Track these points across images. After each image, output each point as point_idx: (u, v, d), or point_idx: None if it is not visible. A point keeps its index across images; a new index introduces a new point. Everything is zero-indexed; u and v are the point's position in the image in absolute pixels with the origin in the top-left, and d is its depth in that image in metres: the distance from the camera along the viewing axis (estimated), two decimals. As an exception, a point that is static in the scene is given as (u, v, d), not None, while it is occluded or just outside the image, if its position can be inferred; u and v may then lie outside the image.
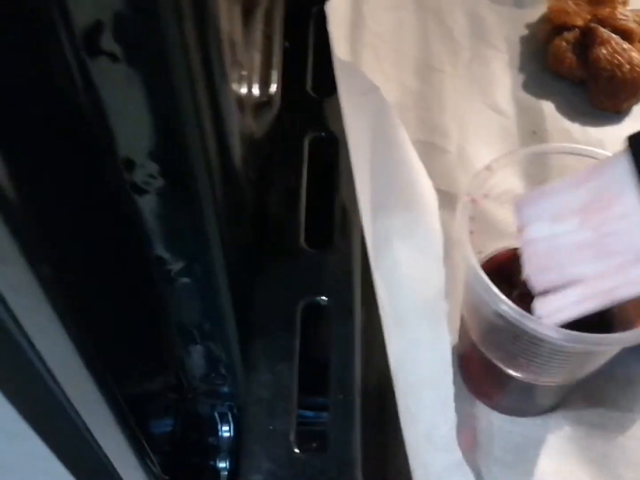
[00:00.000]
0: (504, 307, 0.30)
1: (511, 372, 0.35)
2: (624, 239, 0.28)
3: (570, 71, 0.48)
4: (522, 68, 0.49)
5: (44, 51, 0.25)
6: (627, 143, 0.28)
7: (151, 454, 0.36)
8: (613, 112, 0.47)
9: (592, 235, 0.28)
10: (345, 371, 0.34)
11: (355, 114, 0.39)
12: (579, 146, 0.35)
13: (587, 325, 0.30)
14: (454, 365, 0.36)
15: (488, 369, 0.36)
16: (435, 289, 0.34)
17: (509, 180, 0.37)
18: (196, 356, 0.41)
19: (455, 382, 0.35)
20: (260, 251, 0.38)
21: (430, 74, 0.47)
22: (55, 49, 0.25)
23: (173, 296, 0.37)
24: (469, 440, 0.37)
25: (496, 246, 0.36)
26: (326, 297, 0.36)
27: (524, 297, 0.32)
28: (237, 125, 0.31)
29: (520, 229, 0.31)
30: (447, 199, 0.39)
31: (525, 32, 0.50)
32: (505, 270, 0.34)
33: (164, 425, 0.46)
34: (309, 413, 0.34)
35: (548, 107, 0.47)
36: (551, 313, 0.30)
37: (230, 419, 0.49)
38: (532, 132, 0.46)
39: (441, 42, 0.49)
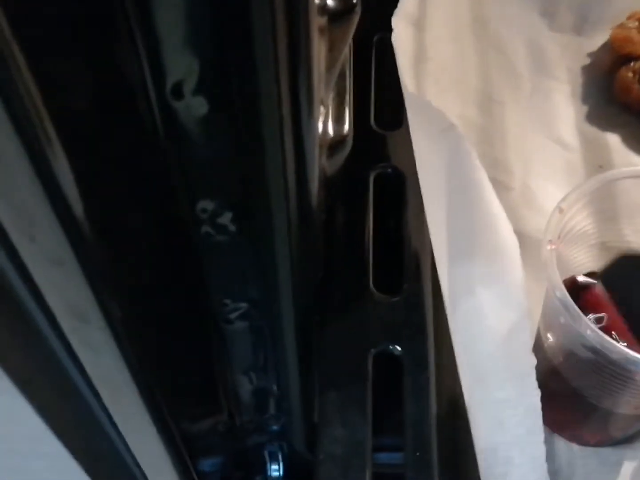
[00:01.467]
0: (594, 337, 0.29)
1: (597, 403, 0.33)
2: None
3: (638, 102, 0.46)
4: (585, 99, 0.47)
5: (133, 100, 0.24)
6: None
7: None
8: (683, 147, 0.45)
9: None
10: (421, 427, 0.32)
11: (429, 153, 0.37)
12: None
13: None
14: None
15: (569, 401, 0.34)
16: (520, 343, 0.33)
17: (577, 218, 0.35)
18: (256, 398, 0.39)
19: None
20: (327, 295, 0.36)
21: (492, 107, 0.46)
22: (142, 98, 0.24)
23: (237, 339, 0.35)
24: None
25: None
26: (399, 346, 0.34)
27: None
28: (317, 170, 0.29)
29: None
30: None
31: (587, 61, 0.49)
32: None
33: (213, 464, 0.45)
34: (384, 468, 0.33)
35: (614, 140, 0.45)
36: None
37: (279, 458, 0.47)
38: (598, 167, 0.44)
39: (501, 74, 0.47)
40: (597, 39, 0.50)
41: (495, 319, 0.33)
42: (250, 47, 0.23)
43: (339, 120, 0.36)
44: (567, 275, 0.38)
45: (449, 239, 0.35)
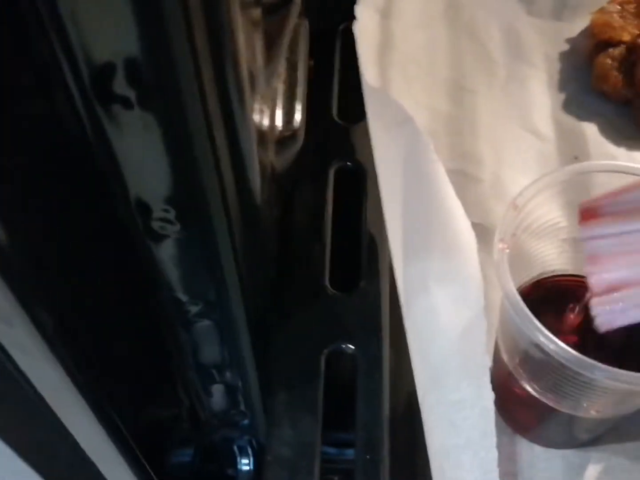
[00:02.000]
0: (543, 340, 0.28)
1: (556, 406, 0.32)
2: None
3: (616, 91, 0.44)
4: (562, 87, 0.46)
5: (52, 97, 0.23)
6: None
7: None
8: (662, 137, 0.44)
9: None
10: (373, 429, 0.31)
11: (387, 146, 0.36)
12: (620, 163, 0.32)
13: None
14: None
15: (529, 402, 0.33)
16: (475, 342, 0.31)
17: (540, 211, 0.34)
18: (215, 394, 0.39)
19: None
20: (283, 292, 0.35)
21: (463, 96, 0.44)
22: (64, 95, 0.23)
23: (191, 337, 0.35)
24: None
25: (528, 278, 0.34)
26: (353, 345, 0.33)
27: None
28: (258, 165, 0.28)
29: (583, 224, 0.29)
30: (481, 233, 0.37)
31: (565, 47, 0.47)
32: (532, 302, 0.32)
33: (182, 456, 0.44)
34: (336, 463, 0.32)
35: (591, 130, 0.44)
36: (610, 315, 0.28)
37: (249, 452, 0.47)
38: (573, 158, 0.43)
39: (475, 61, 0.46)
40: (577, 24, 0.48)
41: (451, 317, 0.32)
42: (167, 40, 0.22)
43: (289, 114, 0.35)
44: (535, 272, 0.37)
45: (404, 234, 0.34)
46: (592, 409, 0.31)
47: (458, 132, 0.43)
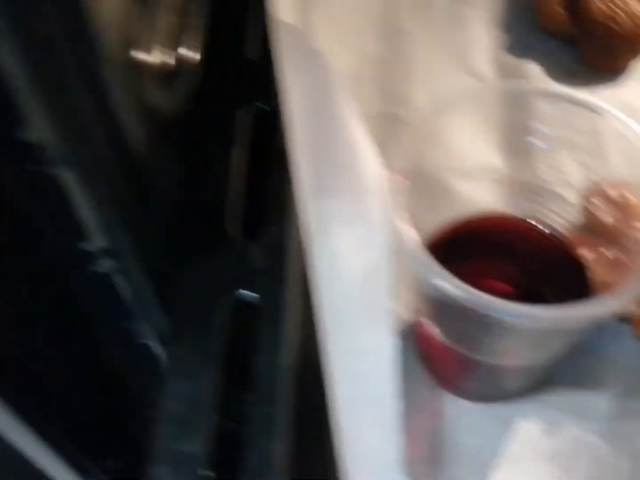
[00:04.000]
0: (443, 283, 0.24)
1: (471, 355, 0.29)
2: None
3: (560, 27, 0.41)
4: (504, 26, 0.42)
5: None
6: None
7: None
8: (608, 72, 0.40)
9: None
10: (271, 381, 0.29)
11: (296, 83, 0.33)
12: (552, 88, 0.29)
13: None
14: (414, 353, 0.32)
15: (447, 353, 0.30)
16: (380, 288, 0.29)
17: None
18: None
19: (416, 371, 0.32)
20: (185, 239, 0.33)
21: (397, 38, 0.41)
22: None
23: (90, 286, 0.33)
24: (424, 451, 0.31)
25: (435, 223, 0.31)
26: (256, 293, 0.31)
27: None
28: (130, 101, 0.26)
29: None
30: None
31: (509, -15, 0.44)
32: (444, 249, 0.29)
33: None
34: (231, 428, 0.29)
35: (534, 70, 0.41)
36: None
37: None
38: (514, 99, 0.40)
39: (411, 1, 0.43)
40: (522, -38, 0.45)
41: (355, 261, 0.30)
42: None
43: (181, 47, 0.32)
44: (456, 210, 0.34)
45: (311, 174, 0.31)
46: (507, 356, 0.28)
47: (390, 74, 0.40)
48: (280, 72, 0.33)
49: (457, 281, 0.25)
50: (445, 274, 0.25)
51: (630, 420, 0.31)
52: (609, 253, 0.29)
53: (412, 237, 0.26)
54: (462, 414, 0.32)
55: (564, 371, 0.32)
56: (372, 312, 0.28)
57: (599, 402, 0.31)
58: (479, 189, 0.34)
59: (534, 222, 0.32)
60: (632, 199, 0.30)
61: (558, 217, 0.32)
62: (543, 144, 0.32)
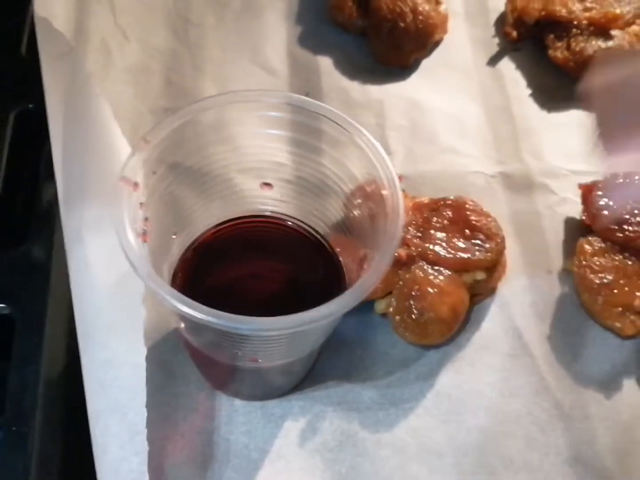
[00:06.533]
0: (165, 298, 0.23)
1: (226, 360, 0.30)
2: None
3: (351, 22, 0.42)
4: (299, 19, 0.42)
5: None
6: None
7: None
8: (399, 67, 0.42)
9: None
10: (24, 397, 0.28)
11: (53, 80, 0.32)
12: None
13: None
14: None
15: (208, 358, 0.30)
16: (131, 295, 0.29)
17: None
18: None
19: (190, 373, 0.32)
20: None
21: (187, 30, 0.40)
22: None
23: None
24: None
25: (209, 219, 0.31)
26: (10, 305, 0.30)
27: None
28: None
29: None
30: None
31: (304, -24, 0.44)
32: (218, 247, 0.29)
33: None
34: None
35: (325, 63, 0.41)
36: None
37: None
38: (305, 94, 0.40)
39: (205, -9, 0.42)
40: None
41: (105, 269, 0.29)
42: None
43: None
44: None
45: (66, 181, 0.30)
46: (260, 358, 0.29)
47: (178, 68, 0.39)
48: (42, 68, 0.32)
49: (180, 296, 0.24)
50: (169, 289, 0.24)
51: (391, 408, 0.33)
52: (361, 252, 0.30)
53: (137, 252, 0.25)
54: (234, 414, 0.32)
55: (333, 366, 0.33)
56: (124, 320, 0.28)
57: (363, 392, 0.33)
58: (250, 189, 0.34)
59: (301, 222, 0.33)
60: (385, 191, 0.30)
61: (325, 217, 0.33)
62: (325, 145, 0.32)
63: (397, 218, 0.27)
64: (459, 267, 0.34)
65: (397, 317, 0.33)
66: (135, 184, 0.26)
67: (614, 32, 0.41)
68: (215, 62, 0.40)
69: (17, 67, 0.35)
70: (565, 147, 0.40)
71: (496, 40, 0.44)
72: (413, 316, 0.33)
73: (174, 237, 0.30)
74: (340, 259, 0.32)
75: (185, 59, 0.40)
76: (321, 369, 0.33)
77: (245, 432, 0.32)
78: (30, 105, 0.34)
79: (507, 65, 0.43)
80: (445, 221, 0.35)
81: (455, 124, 0.40)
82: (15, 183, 0.33)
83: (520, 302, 0.36)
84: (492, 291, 0.36)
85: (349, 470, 0.32)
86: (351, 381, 0.33)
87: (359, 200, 0.32)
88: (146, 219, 0.27)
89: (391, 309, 0.33)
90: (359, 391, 0.33)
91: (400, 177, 0.28)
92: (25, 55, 0.36)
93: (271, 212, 0.32)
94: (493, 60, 0.43)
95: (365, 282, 0.26)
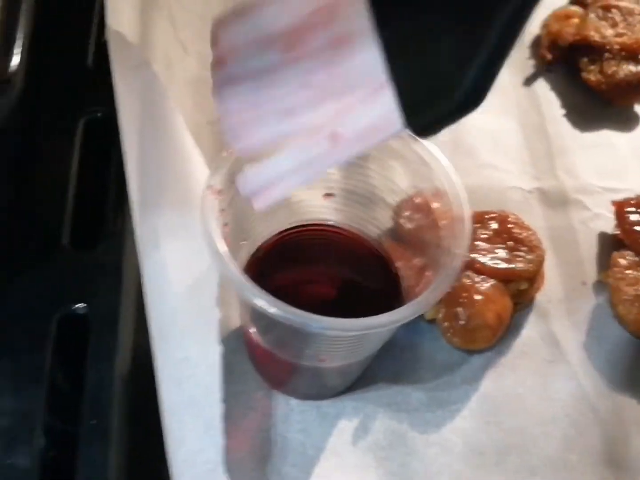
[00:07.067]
0: (258, 302, 0.26)
1: (291, 359, 0.32)
2: (339, 73, 0.19)
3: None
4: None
5: None
6: None
7: None
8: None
9: (298, 69, 0.19)
10: (101, 392, 0.30)
11: (126, 92, 0.34)
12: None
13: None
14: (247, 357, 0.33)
15: (272, 357, 0.32)
16: (206, 297, 0.30)
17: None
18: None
19: (248, 372, 0.34)
20: (16, 251, 0.33)
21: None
22: None
23: None
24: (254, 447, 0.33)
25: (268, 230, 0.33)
26: (87, 305, 0.31)
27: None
28: None
29: (216, 64, 0.21)
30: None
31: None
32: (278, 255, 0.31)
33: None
34: (63, 439, 0.30)
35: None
36: (259, 189, 0.23)
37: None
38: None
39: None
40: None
41: (181, 273, 0.31)
42: None
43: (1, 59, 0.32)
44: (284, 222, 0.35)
45: (142, 187, 0.32)
46: (324, 359, 0.31)
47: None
48: (114, 82, 0.33)
49: (267, 296, 0.26)
50: (255, 289, 0.26)
51: (438, 409, 0.35)
52: (417, 260, 0.32)
53: (224, 253, 0.27)
54: (290, 412, 0.34)
55: (385, 369, 0.35)
56: (199, 321, 0.30)
57: (412, 394, 0.35)
58: (312, 198, 0.36)
59: (359, 231, 0.35)
60: (435, 205, 0.33)
61: (381, 225, 0.35)
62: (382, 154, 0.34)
63: (464, 240, 0.29)
64: (503, 277, 0.36)
65: (446, 324, 0.35)
66: (220, 191, 0.28)
67: (644, 57, 0.43)
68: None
69: (84, 78, 0.37)
70: (598, 165, 0.42)
71: (531, 61, 0.46)
72: (461, 322, 0.35)
73: (243, 242, 0.32)
74: (396, 265, 0.33)
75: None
76: (372, 371, 0.35)
77: (301, 430, 0.34)
78: (98, 114, 0.36)
79: (542, 85, 0.45)
80: (490, 233, 0.37)
81: (494, 140, 0.42)
82: (85, 188, 0.34)
83: (557, 312, 0.38)
84: (530, 300, 0.38)
85: (400, 467, 0.33)
86: (400, 383, 0.35)
87: (408, 213, 0.34)
88: (225, 224, 0.29)
89: (440, 315, 0.35)
90: (408, 393, 0.35)
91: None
92: (91, 67, 0.37)
93: (331, 220, 0.34)
94: (529, 81, 0.45)
95: (429, 296, 0.28)
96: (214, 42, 0.21)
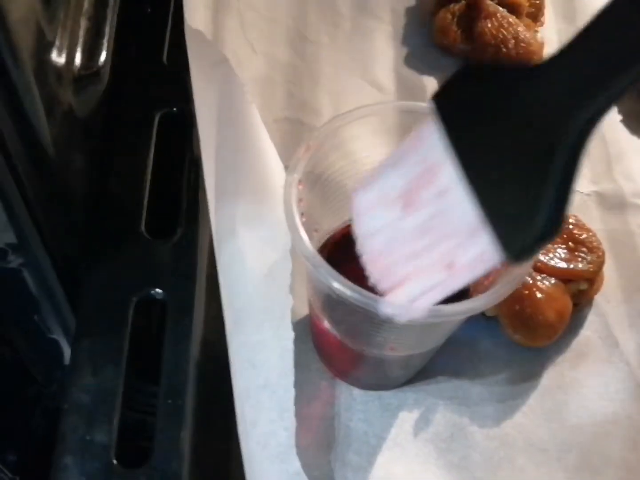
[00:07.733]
0: (336, 285, 0.27)
1: (359, 347, 0.32)
2: (447, 219, 0.24)
3: (455, 45, 0.45)
4: (406, 41, 0.46)
5: None
6: (433, 105, 0.24)
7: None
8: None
9: (417, 220, 0.25)
10: (176, 374, 0.31)
11: (204, 88, 0.35)
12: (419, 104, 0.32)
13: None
14: (311, 345, 0.34)
15: (339, 345, 0.33)
16: (279, 285, 0.31)
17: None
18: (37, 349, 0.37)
19: (312, 361, 0.35)
20: (97, 238, 0.34)
21: (305, 46, 0.44)
22: None
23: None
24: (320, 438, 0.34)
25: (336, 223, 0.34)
26: (163, 290, 0.33)
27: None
28: (43, 105, 0.27)
29: (356, 221, 0.27)
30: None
31: (411, 3, 0.47)
32: (343, 247, 0.32)
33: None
34: (137, 420, 0.31)
35: (430, 84, 0.44)
36: (400, 309, 0.27)
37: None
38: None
39: (319, 11, 0.45)
40: (424, -20, 0.48)
41: (257, 260, 0.32)
42: None
43: (91, 52, 0.33)
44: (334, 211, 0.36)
45: (217, 177, 0.33)
46: (392, 347, 0.31)
47: (297, 81, 0.42)
48: (191, 78, 0.35)
49: (344, 280, 0.27)
50: (334, 273, 0.27)
51: (498, 405, 0.35)
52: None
53: (304, 239, 0.28)
54: (352, 402, 0.35)
55: (444, 363, 0.36)
56: (273, 307, 0.31)
57: (472, 389, 0.35)
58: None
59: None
60: None
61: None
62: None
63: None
64: (564, 276, 0.37)
65: (507, 320, 0.36)
66: (299, 182, 0.29)
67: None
68: (329, 77, 0.43)
69: (160, 74, 0.38)
70: (655, 171, 0.43)
71: (589, 68, 0.47)
72: (522, 319, 0.35)
73: (314, 232, 0.33)
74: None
75: (303, 73, 0.43)
76: (432, 365, 0.36)
77: (363, 420, 0.35)
78: (174, 109, 0.37)
79: (599, 92, 0.45)
80: (551, 233, 0.38)
81: (551, 144, 0.43)
82: (162, 179, 0.36)
83: (616, 313, 0.38)
84: (589, 301, 0.39)
85: (461, 460, 0.34)
86: (460, 378, 0.36)
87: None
88: (302, 214, 0.30)
89: (502, 312, 0.36)
90: (468, 387, 0.35)
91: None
92: (166, 63, 0.39)
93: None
94: (586, 87, 0.46)
95: (503, 287, 0.28)
96: (353, 204, 0.27)
